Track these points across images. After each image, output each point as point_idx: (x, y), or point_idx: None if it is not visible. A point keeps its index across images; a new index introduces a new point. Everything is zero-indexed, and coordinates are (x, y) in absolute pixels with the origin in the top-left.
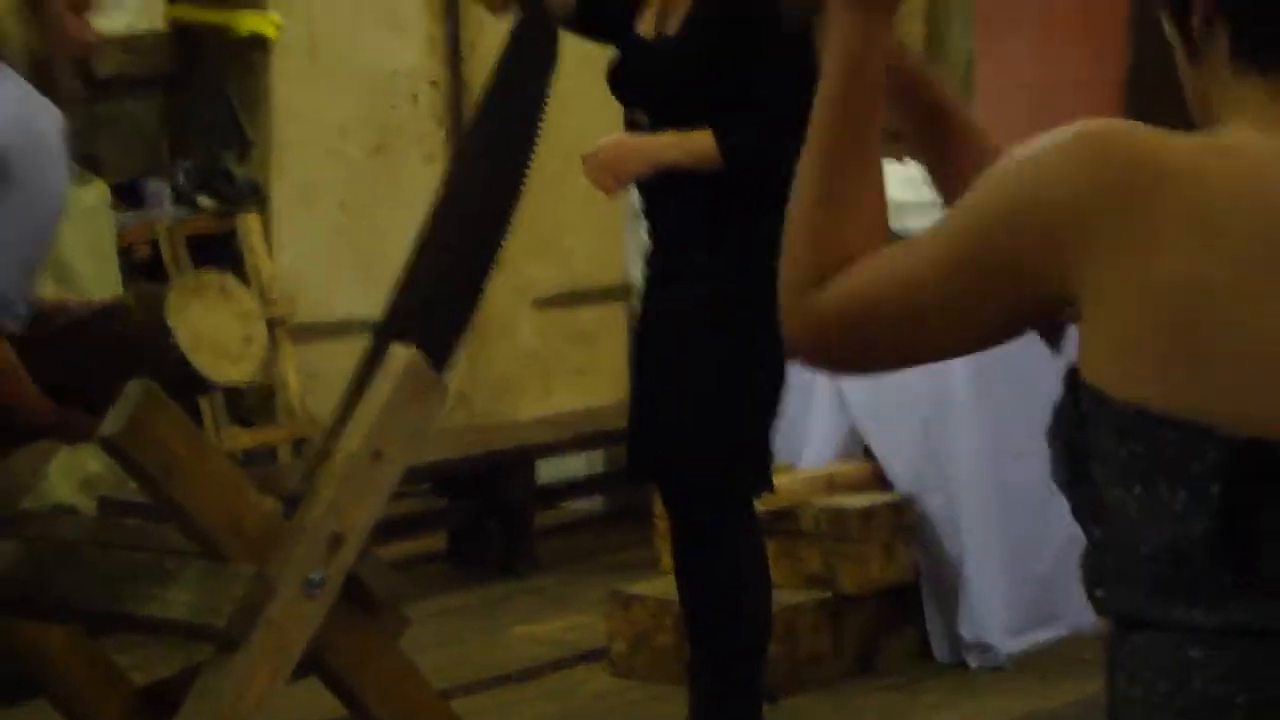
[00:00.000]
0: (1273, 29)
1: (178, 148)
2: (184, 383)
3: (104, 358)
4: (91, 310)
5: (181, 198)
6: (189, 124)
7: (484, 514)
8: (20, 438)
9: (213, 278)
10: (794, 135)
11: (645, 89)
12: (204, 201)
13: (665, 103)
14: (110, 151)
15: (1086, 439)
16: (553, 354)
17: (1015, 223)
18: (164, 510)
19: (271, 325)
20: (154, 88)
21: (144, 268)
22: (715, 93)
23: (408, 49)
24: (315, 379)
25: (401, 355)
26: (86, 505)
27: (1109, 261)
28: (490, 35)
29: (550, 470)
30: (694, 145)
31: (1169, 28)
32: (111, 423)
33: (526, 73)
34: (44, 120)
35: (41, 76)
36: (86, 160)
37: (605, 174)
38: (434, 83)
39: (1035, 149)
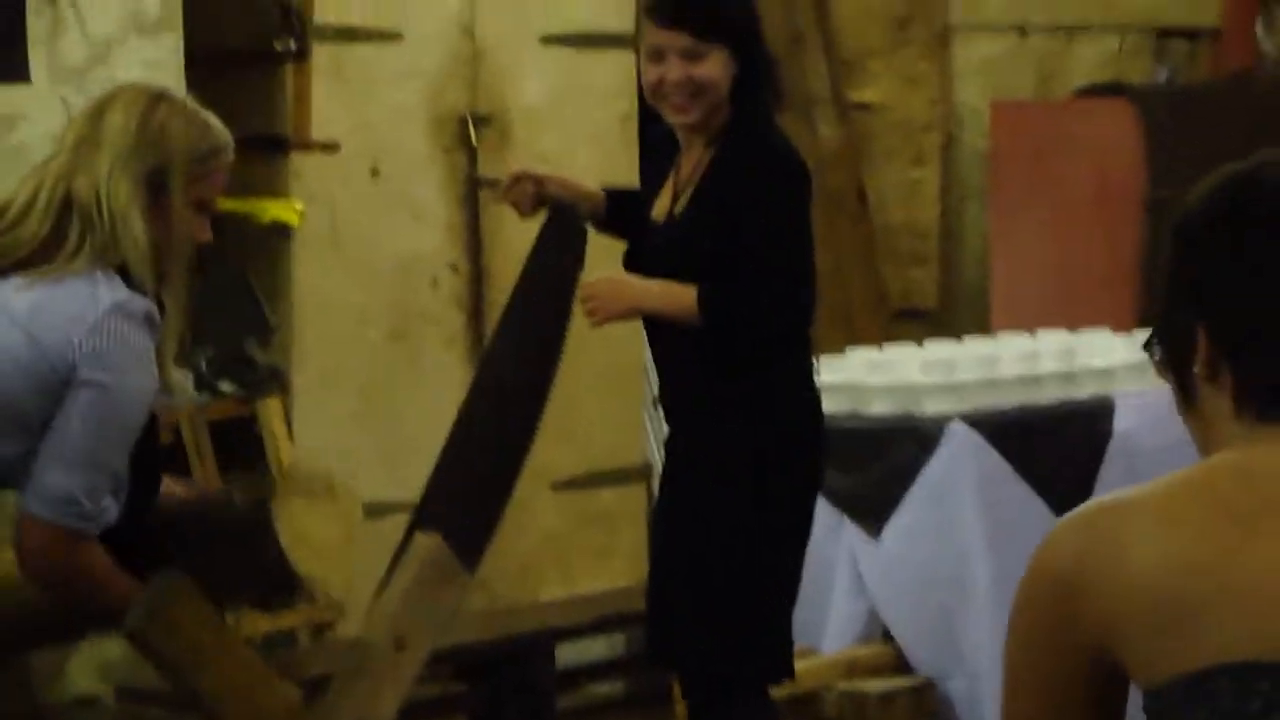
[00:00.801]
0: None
1: (200, 334)
2: (279, 581)
3: (204, 546)
4: (199, 496)
5: (203, 383)
6: (210, 310)
7: (505, 697)
8: (110, 622)
9: (319, 477)
10: (775, 291)
11: (652, 267)
12: (225, 387)
13: (670, 278)
14: None
15: None
16: (573, 536)
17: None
18: (187, 700)
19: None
20: None
21: (165, 453)
22: (712, 265)
23: (428, 235)
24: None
25: (424, 544)
26: (105, 692)
27: None
28: (509, 223)
29: (571, 653)
30: (678, 295)
31: (1166, 374)
32: (136, 615)
33: (557, 266)
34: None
35: (156, 268)
36: None
37: (594, 305)
38: (453, 267)
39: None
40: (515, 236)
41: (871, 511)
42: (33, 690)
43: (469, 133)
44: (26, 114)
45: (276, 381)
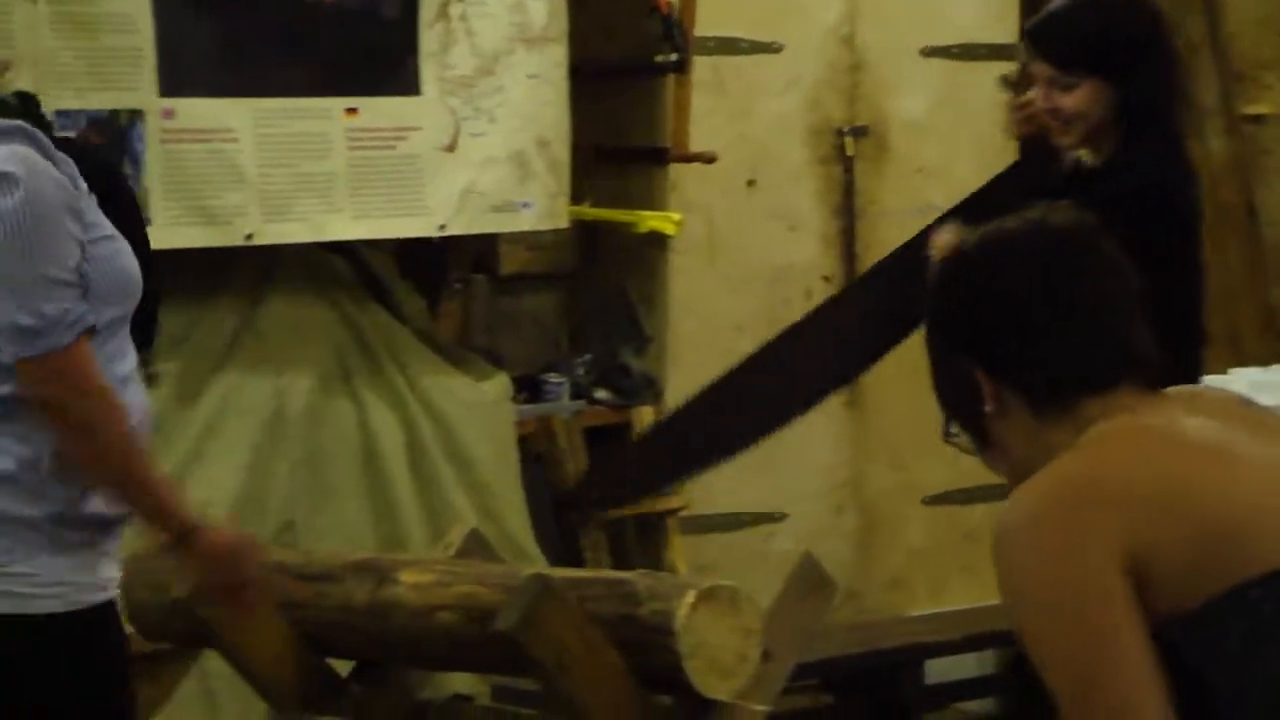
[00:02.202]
0: (1053, 374)
1: (577, 343)
2: (671, 684)
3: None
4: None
5: (580, 391)
6: (588, 319)
7: (873, 712)
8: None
9: (728, 589)
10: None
11: None
12: (601, 394)
13: None
14: (512, 346)
15: None
16: (943, 551)
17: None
18: (555, 702)
19: (664, 516)
20: (555, 284)
21: (541, 458)
22: None
23: (803, 246)
24: (703, 570)
25: (797, 558)
26: (482, 692)
27: None
28: (884, 233)
29: (941, 669)
30: None
31: (970, 435)
32: (506, 617)
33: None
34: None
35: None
36: (490, 354)
37: None
38: (827, 278)
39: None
40: (890, 247)
41: None
42: (410, 687)
43: (846, 144)
44: (418, 124)
45: (651, 389)
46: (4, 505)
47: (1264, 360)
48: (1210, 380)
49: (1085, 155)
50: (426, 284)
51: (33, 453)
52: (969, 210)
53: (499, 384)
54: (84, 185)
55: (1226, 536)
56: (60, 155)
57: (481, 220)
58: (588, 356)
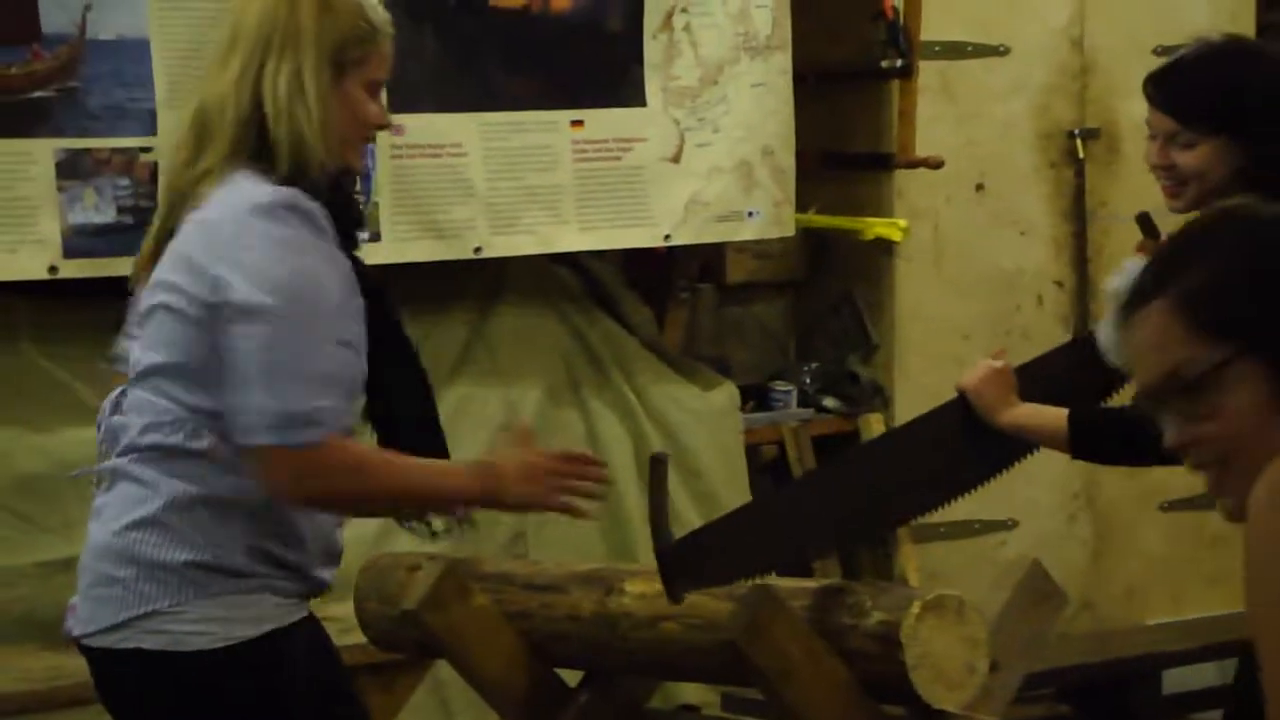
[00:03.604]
0: None
1: (804, 351)
2: (897, 695)
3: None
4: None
5: (807, 399)
6: (815, 327)
7: None
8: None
9: (954, 598)
10: None
11: None
12: (829, 402)
13: None
14: (739, 354)
15: None
16: (1182, 559)
17: None
18: (782, 714)
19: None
20: (781, 292)
21: (769, 467)
22: None
23: (1033, 250)
24: (934, 578)
25: (1023, 564)
26: (711, 702)
27: None
28: (1116, 238)
29: (1179, 680)
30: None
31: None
32: (731, 626)
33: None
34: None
35: (331, 154)
36: (717, 363)
37: None
38: (1059, 283)
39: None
40: (1123, 250)
41: None
42: (637, 697)
43: (1076, 147)
44: (644, 135)
45: (879, 397)
46: (147, 551)
47: None
48: None
49: None
50: (653, 294)
51: (173, 497)
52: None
53: (726, 393)
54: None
55: None
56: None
57: (707, 230)
58: (815, 365)
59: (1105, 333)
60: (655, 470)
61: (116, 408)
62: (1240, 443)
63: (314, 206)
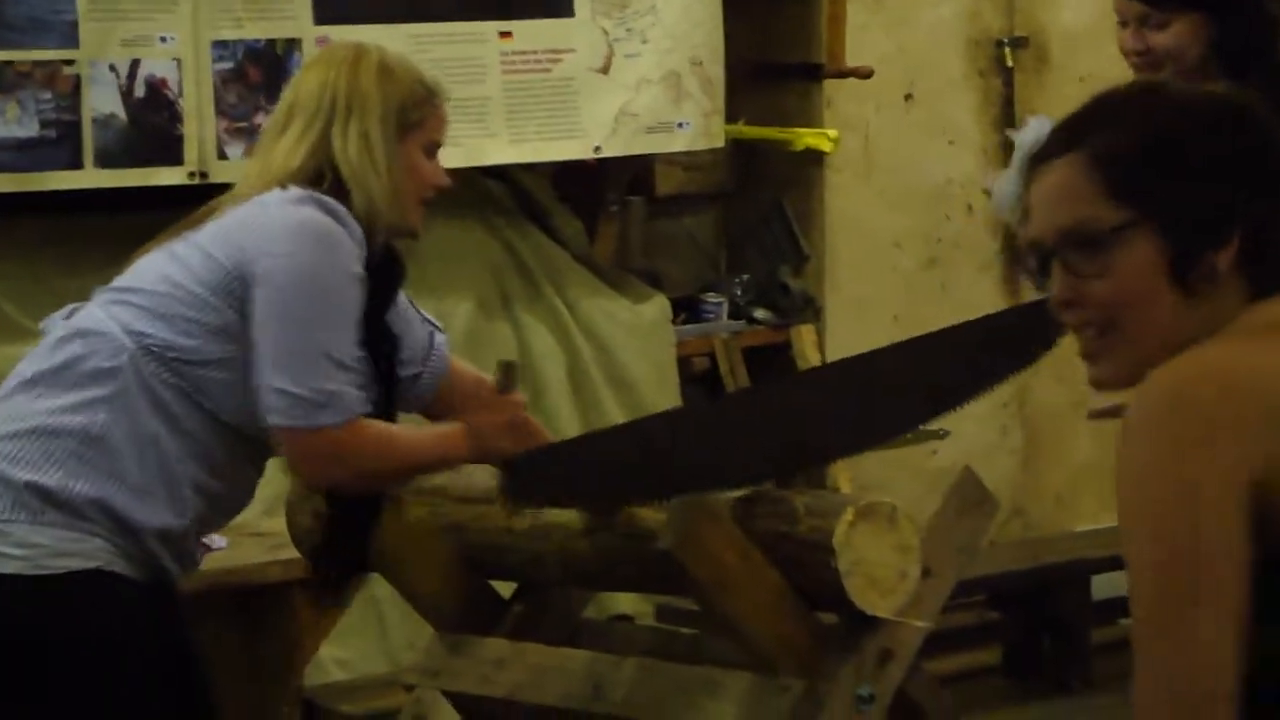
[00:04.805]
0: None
1: (735, 262)
2: (831, 601)
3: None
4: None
5: (738, 311)
6: (746, 239)
7: (1038, 629)
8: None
9: (886, 505)
10: None
11: None
12: (760, 314)
13: None
14: (670, 267)
15: None
16: (1111, 467)
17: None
18: (717, 622)
19: None
20: (712, 204)
21: (701, 379)
22: None
23: (962, 159)
24: (867, 489)
25: (954, 472)
26: (646, 612)
27: None
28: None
29: (1108, 585)
30: None
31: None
32: (665, 536)
33: (1022, 347)
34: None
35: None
36: (648, 276)
37: None
38: (988, 192)
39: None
40: None
41: None
42: (572, 608)
43: (1005, 55)
44: (572, 46)
45: (810, 308)
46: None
47: None
48: None
49: None
50: (583, 207)
51: (48, 422)
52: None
53: (657, 305)
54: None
55: None
56: (357, 235)
57: (637, 141)
58: (745, 276)
59: (1003, 185)
60: (505, 375)
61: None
62: (1124, 309)
63: (341, 208)
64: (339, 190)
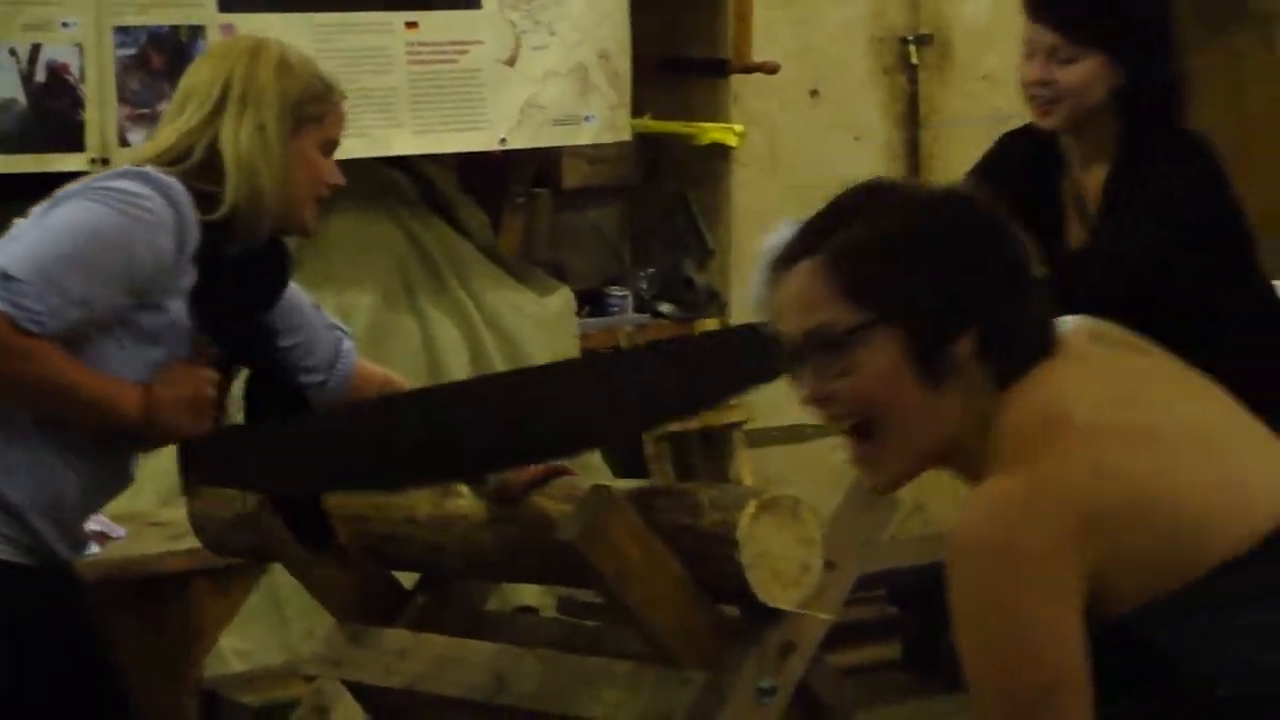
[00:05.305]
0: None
1: (639, 256)
2: (734, 594)
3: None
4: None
5: (643, 304)
6: (650, 232)
7: (937, 624)
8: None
9: (789, 499)
10: None
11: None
12: (664, 308)
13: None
14: (575, 260)
15: None
16: None
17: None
18: (620, 613)
19: (729, 429)
20: (617, 197)
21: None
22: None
23: (867, 156)
24: (769, 482)
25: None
26: (547, 605)
27: None
28: (948, 144)
29: None
30: None
31: (915, 377)
32: (568, 528)
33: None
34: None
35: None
36: (553, 268)
37: None
38: None
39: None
40: (955, 156)
41: None
42: (474, 600)
43: (910, 53)
44: (479, 37)
45: (715, 302)
46: None
47: None
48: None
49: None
50: (488, 199)
51: None
52: None
53: (562, 298)
54: (185, 254)
55: (1189, 530)
56: (187, 217)
57: (543, 134)
58: (650, 270)
59: (755, 288)
60: (196, 350)
61: None
62: (874, 406)
63: (177, 187)
64: (203, 173)
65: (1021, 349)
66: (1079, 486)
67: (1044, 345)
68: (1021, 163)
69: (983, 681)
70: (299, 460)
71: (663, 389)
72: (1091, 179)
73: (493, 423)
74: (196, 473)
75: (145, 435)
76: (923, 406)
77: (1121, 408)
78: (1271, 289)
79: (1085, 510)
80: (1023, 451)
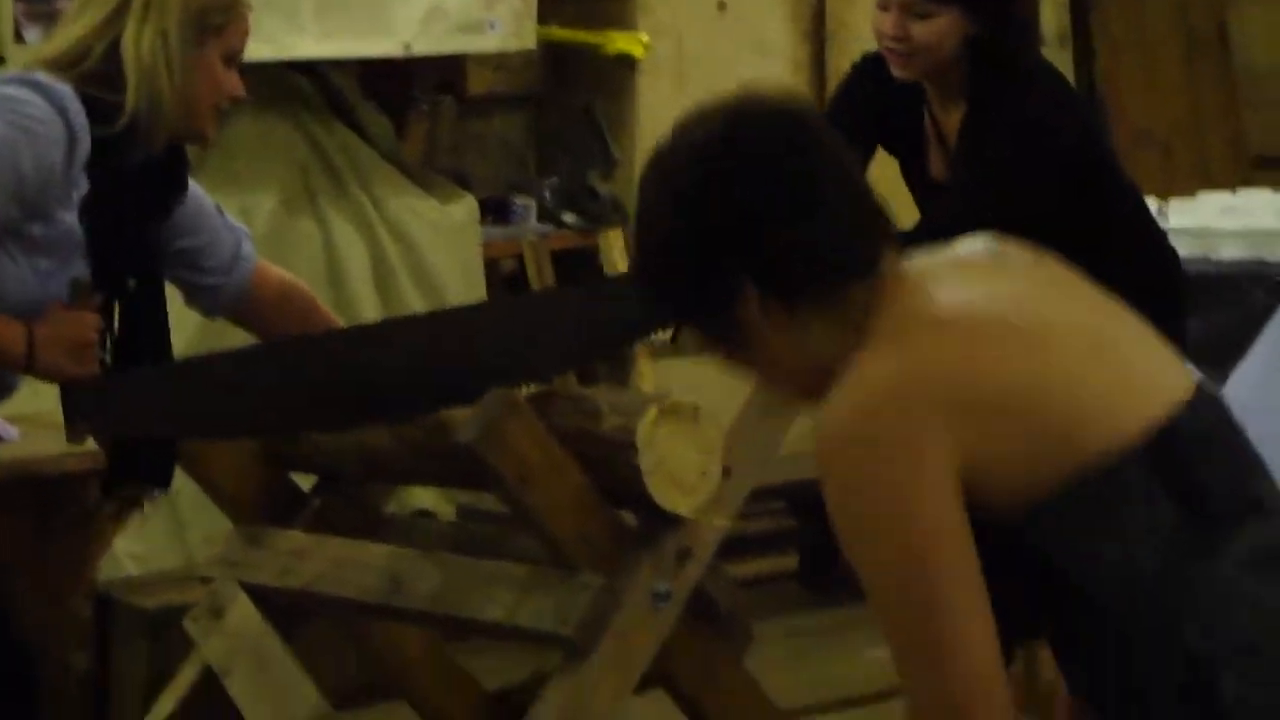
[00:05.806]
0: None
1: (544, 165)
2: (632, 499)
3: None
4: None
5: (547, 214)
6: (555, 142)
7: (833, 536)
8: None
9: (689, 405)
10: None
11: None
12: (568, 218)
13: None
14: (479, 168)
15: None
16: None
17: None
18: (517, 517)
19: None
20: (522, 106)
21: (508, 281)
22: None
23: (774, 71)
24: (671, 390)
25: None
26: (447, 511)
27: None
28: (854, 56)
29: None
30: None
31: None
32: (468, 430)
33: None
34: None
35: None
36: (456, 176)
37: None
38: None
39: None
40: None
41: (1217, 359)
42: (373, 502)
43: None
44: None
45: (619, 213)
46: None
47: (1232, 184)
48: (1178, 204)
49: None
50: (392, 105)
51: None
52: None
53: (465, 206)
54: (75, 165)
55: (1057, 427)
56: (77, 120)
57: (447, 40)
58: (554, 179)
59: None
60: (74, 291)
61: None
62: (800, 373)
63: (69, 95)
64: (101, 78)
65: (826, 269)
66: (949, 373)
67: (866, 257)
68: (881, 90)
69: (867, 563)
70: (184, 405)
71: (572, 332)
72: (950, 118)
73: (407, 369)
74: (79, 418)
75: (26, 373)
76: (781, 353)
77: (1000, 307)
78: (1141, 200)
79: (955, 399)
80: (893, 339)
